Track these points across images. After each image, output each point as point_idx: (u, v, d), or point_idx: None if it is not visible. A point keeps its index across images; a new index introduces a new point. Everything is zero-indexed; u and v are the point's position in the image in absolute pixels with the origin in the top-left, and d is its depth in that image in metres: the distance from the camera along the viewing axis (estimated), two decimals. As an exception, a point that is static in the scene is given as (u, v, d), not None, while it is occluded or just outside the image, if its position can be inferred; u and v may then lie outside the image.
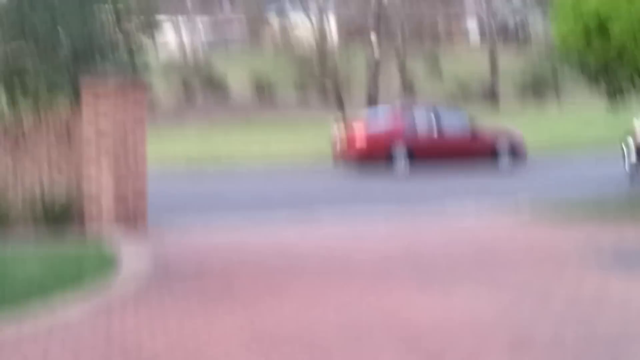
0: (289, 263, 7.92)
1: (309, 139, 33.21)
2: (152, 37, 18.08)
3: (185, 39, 62.88)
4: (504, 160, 26.11)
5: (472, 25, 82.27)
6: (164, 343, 5.58)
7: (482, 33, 75.78)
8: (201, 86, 59.76)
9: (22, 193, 11.44)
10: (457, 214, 17.08)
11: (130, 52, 18.05)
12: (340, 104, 51.70)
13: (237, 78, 60.20)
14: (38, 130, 11.36)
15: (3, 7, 15.17)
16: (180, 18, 62.87)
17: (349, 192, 21.06)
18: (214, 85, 59.52)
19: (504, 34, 70.69)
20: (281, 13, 64.53)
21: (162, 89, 58.45)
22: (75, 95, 11.35)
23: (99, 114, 10.76)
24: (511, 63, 62.69)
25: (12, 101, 17.29)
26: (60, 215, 10.91)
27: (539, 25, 69.09)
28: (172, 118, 52.26)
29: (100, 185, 10.78)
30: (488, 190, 20.53)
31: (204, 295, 6.79)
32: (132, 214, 10.96)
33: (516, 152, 26.38)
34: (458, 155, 25.72)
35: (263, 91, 59.37)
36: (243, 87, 60.50)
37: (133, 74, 11.23)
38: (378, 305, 6.66)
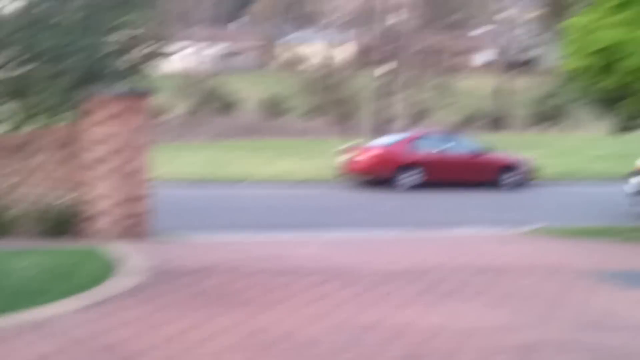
0: (288, 278, 7.67)
1: (316, 160, 33.09)
2: (160, 63, 18.32)
3: (197, 62, 63.01)
4: (512, 185, 25.96)
5: (484, 55, 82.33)
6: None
7: (494, 63, 75.86)
8: (210, 106, 59.83)
9: (24, 204, 11.34)
10: (463, 232, 17.04)
11: (139, 77, 18.17)
12: (349, 128, 51.64)
13: (247, 100, 60.28)
14: (41, 143, 11.28)
15: (11, 26, 15.24)
16: (192, 42, 63.08)
17: (354, 213, 20.91)
18: (223, 106, 59.61)
19: (516, 64, 70.72)
20: (292, 39, 64.63)
21: (172, 108, 58.58)
22: (80, 114, 11.32)
23: (99, 123, 10.63)
24: (522, 93, 62.73)
25: (18, 119, 17.35)
26: (61, 224, 10.78)
27: (550, 57, 69.09)
28: (181, 136, 52.25)
29: (100, 193, 10.65)
30: (494, 215, 20.46)
31: (195, 309, 6.59)
32: (133, 223, 10.82)
33: (524, 177, 26.22)
34: (466, 179, 25.59)
35: (272, 113, 59.42)
36: (252, 107, 60.56)
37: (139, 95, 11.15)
38: (380, 324, 6.46)
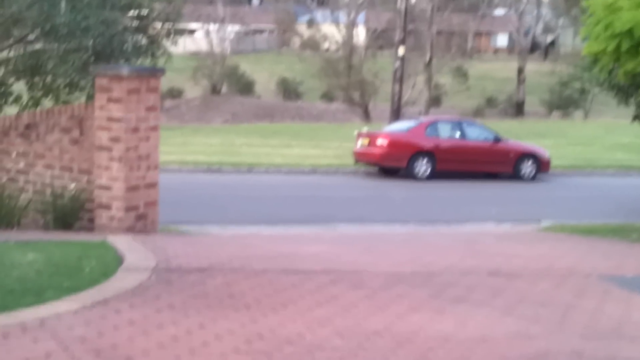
0: (296, 278, 7.44)
1: (333, 145, 32.86)
2: (177, 41, 18.13)
3: (215, 43, 62.73)
4: (527, 173, 25.66)
5: (501, 40, 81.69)
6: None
7: (512, 48, 75.30)
8: (229, 87, 59.63)
9: (32, 191, 11.14)
10: (475, 229, 16.81)
11: (154, 56, 18.04)
12: (365, 113, 51.32)
13: (265, 81, 60.02)
14: (51, 124, 11.04)
15: (25, 1, 15.03)
16: (211, 25, 62.78)
17: (368, 201, 20.70)
18: (242, 87, 59.39)
19: (534, 49, 70.15)
20: (311, 22, 64.29)
21: (190, 88, 58.37)
22: (94, 91, 11.01)
23: (110, 100, 10.37)
24: (539, 78, 62.23)
25: (33, 99, 17.24)
26: (70, 213, 10.59)
27: (568, 41, 68.49)
28: (198, 118, 52.06)
29: (111, 175, 10.43)
30: (508, 204, 20.22)
31: (198, 310, 6.40)
32: (142, 205, 10.61)
33: (539, 165, 25.90)
34: (480, 167, 25.31)
35: (290, 95, 59.17)
36: (270, 89, 60.30)
37: (154, 73, 10.85)
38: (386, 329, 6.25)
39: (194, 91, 59.40)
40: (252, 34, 74.10)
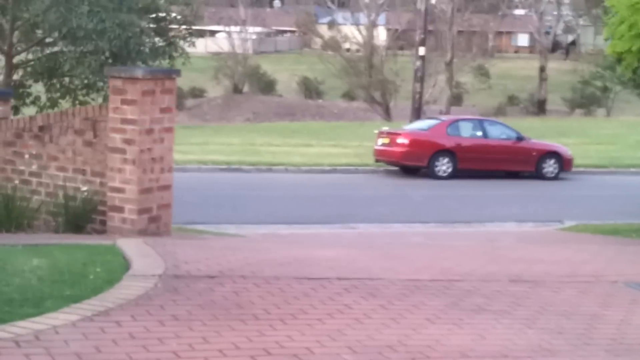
0: (308, 286, 7.04)
1: (353, 144, 32.46)
2: (193, 44, 17.86)
3: (237, 44, 62.46)
4: (549, 172, 25.17)
5: (522, 39, 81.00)
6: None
7: (532, 47, 74.62)
8: (250, 87, 59.40)
9: (44, 193, 10.81)
10: (496, 229, 16.43)
11: (171, 58, 17.81)
12: (386, 112, 50.88)
13: (286, 81, 59.72)
14: (65, 125, 10.70)
15: (43, 3, 14.77)
16: (233, 23, 62.54)
17: (388, 200, 20.33)
18: (263, 87, 59.15)
19: (555, 48, 69.44)
20: (331, 24, 63.91)
21: (212, 88, 58.15)
22: (108, 92, 10.66)
23: (124, 102, 10.01)
24: (561, 76, 61.59)
25: (50, 100, 17.03)
26: (82, 216, 10.24)
27: (589, 40, 67.74)
28: (220, 117, 51.83)
29: (124, 177, 10.07)
30: (529, 204, 19.79)
31: (204, 322, 6.02)
32: (155, 208, 10.25)
33: (562, 164, 25.39)
34: (502, 166, 24.83)
35: (311, 94, 58.85)
36: (291, 88, 60.01)
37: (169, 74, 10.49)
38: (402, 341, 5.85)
39: (215, 91, 59.18)
40: (273, 36, 73.77)
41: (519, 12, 74.69)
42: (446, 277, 7.83)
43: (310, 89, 59.89)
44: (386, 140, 25.03)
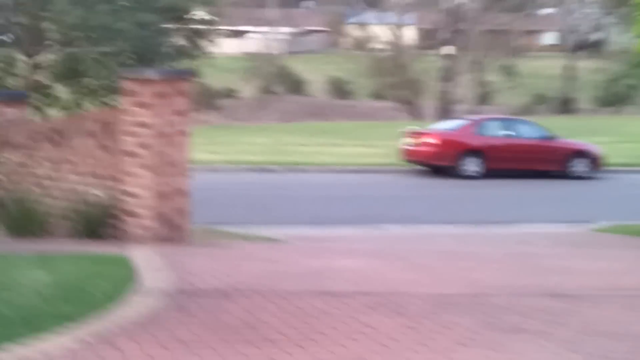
0: (328, 302, 6.31)
1: (382, 143, 31.69)
2: (216, 44, 17.21)
3: (268, 44, 61.87)
4: (579, 171, 24.28)
5: (549, 37, 79.80)
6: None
7: (559, 45, 73.42)
8: (279, 87, 58.81)
9: (57, 198, 10.16)
10: (527, 230, 15.60)
11: (193, 58, 17.13)
12: (414, 111, 50.08)
13: (315, 81, 59.07)
14: (79, 129, 10.04)
15: (60, 3, 14.17)
16: (262, 23, 62.00)
17: (417, 200, 19.60)
18: (292, 87, 58.56)
19: (582, 47, 68.18)
20: (360, 23, 63.12)
21: (244, 88, 57.62)
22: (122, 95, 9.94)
23: (138, 105, 9.35)
24: (588, 75, 60.46)
25: (72, 101, 16.41)
26: (95, 223, 9.58)
27: (616, 39, 66.39)
28: (249, 117, 51.28)
29: (138, 182, 9.41)
30: (560, 204, 18.99)
31: (212, 346, 5.31)
32: (172, 215, 9.59)
33: (592, 163, 24.49)
34: (531, 165, 23.95)
35: (339, 94, 58.15)
36: (320, 88, 59.36)
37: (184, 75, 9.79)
38: None
39: (247, 90, 58.60)
40: (303, 35, 73.09)
41: (546, 10, 73.45)
42: (478, 291, 7.07)
43: (339, 89, 59.16)
44: (415, 140, 24.25)
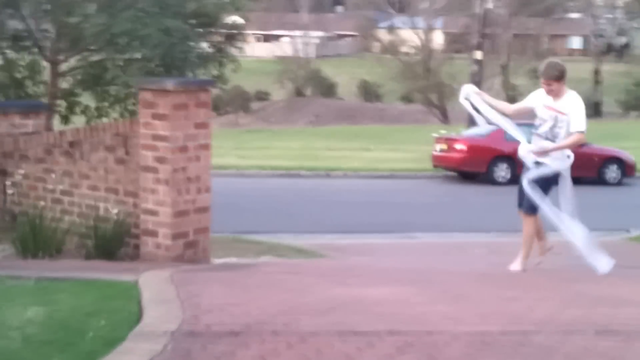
0: (353, 345, 5.41)
1: (412, 148, 30.75)
2: (242, 49, 16.39)
3: (300, 48, 61.15)
4: (612, 178, 23.21)
5: (576, 42, 78.36)
6: None
7: (586, 49, 72.03)
8: (311, 91, 58.09)
9: (76, 211, 9.35)
10: (562, 242, 14.58)
11: (221, 65, 16.35)
12: (444, 115, 49.07)
13: (346, 84, 58.25)
14: (96, 141, 9.22)
15: (84, 9, 13.41)
16: (295, 28, 61.31)
17: (447, 207, 18.70)
18: (323, 90, 57.82)
19: (608, 51, 66.74)
20: (390, 28, 62.17)
21: (276, 91, 56.93)
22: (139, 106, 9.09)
23: (156, 117, 8.51)
24: (614, 78, 59.13)
25: (98, 109, 15.64)
26: (111, 242, 8.75)
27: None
28: (281, 121, 50.56)
29: (156, 198, 8.58)
30: (593, 211, 17.95)
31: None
32: (191, 233, 8.76)
33: (624, 169, 23.42)
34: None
35: (370, 97, 57.29)
36: (351, 92, 58.53)
37: (204, 85, 8.92)
38: None
39: (279, 94, 57.87)
40: (335, 40, 72.19)
41: (573, 15, 72.01)
42: (519, 328, 6.14)
43: (369, 92, 58.24)
44: (444, 146, 23.30)
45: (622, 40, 74.53)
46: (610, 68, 62.10)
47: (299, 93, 58.40)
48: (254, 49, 66.22)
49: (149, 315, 5.76)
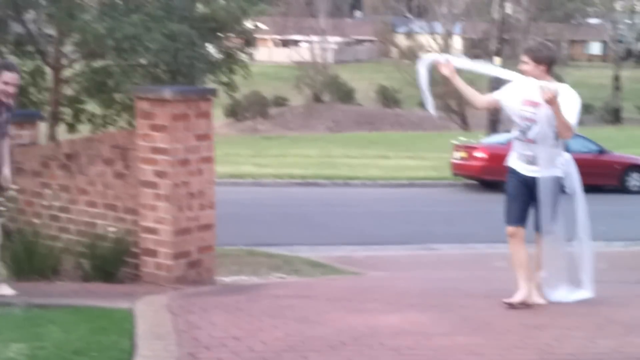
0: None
1: (430, 155, 30.08)
2: (251, 55, 15.77)
3: (318, 54, 60.59)
4: (634, 186, 22.49)
5: (595, 47, 77.41)
6: None
7: (605, 55, 71.12)
8: (329, 97, 57.51)
9: (73, 228, 8.76)
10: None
11: (231, 71, 15.75)
12: (463, 121, 48.34)
13: (364, 90, 57.63)
14: (92, 156, 8.62)
15: (89, 13, 12.85)
16: (314, 37, 60.80)
17: (468, 216, 18.04)
18: (341, 96, 57.22)
19: (627, 56, 65.78)
20: (408, 33, 61.51)
21: (294, 96, 56.42)
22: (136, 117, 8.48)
23: (154, 128, 7.91)
24: (634, 84, 58.27)
25: (104, 117, 15.07)
26: (109, 263, 8.15)
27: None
28: (299, 127, 50.05)
29: (156, 215, 7.98)
30: (616, 220, 17.29)
31: None
32: (195, 251, 8.16)
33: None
34: (584, 180, 22.12)
35: (388, 103, 56.63)
36: (369, 98, 57.92)
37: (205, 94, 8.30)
38: None
39: (297, 99, 57.33)
40: (353, 45, 71.61)
41: (593, 21, 71.10)
42: (549, 364, 5.49)
43: (387, 98, 57.59)
44: (464, 154, 22.63)
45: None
46: (629, 74, 61.19)
47: (317, 99, 57.82)
48: (271, 54, 65.76)
49: (141, 355, 5.13)
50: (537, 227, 7.18)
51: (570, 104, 6.84)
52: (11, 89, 7.21)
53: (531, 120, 6.94)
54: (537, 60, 6.92)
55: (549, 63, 6.98)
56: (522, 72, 7.00)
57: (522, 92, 6.98)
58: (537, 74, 6.91)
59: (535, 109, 6.90)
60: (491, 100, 7.34)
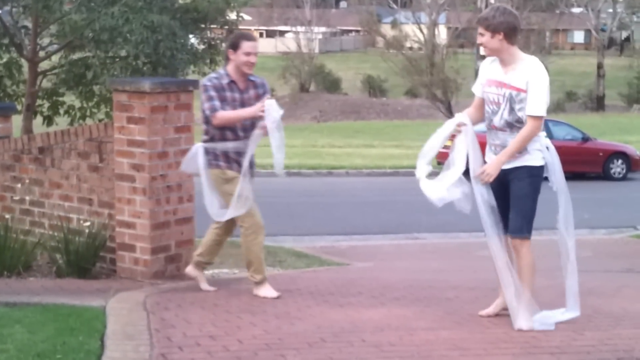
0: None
1: (415, 144, 29.79)
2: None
3: (304, 44, 60.25)
4: (617, 172, 22.33)
5: (578, 36, 77.35)
6: None
7: (588, 43, 71.08)
8: (314, 87, 57.24)
9: (47, 223, 8.45)
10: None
11: (212, 62, 15.42)
12: (448, 110, 48.14)
13: (350, 80, 57.37)
14: (66, 149, 8.30)
15: (66, 11, 12.50)
16: (299, 27, 60.44)
17: (452, 206, 17.79)
18: (327, 86, 56.95)
19: (609, 44, 65.70)
20: (394, 23, 61.24)
21: (280, 87, 56.07)
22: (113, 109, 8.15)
23: (132, 120, 7.61)
24: (616, 72, 58.21)
25: (82, 110, 14.71)
26: (84, 258, 7.84)
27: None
28: (289, 112, 49.79)
29: (133, 210, 7.67)
30: (599, 207, 17.12)
31: None
32: (173, 245, 7.85)
33: (630, 164, 22.55)
34: (568, 167, 21.93)
35: (374, 92, 56.40)
36: (355, 87, 57.67)
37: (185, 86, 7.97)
38: None
39: (283, 89, 57.02)
40: (338, 35, 71.30)
41: (576, 10, 70.98)
42: (533, 358, 5.23)
43: (374, 87, 57.38)
44: (448, 143, 22.39)
45: (623, 34, 73.51)
46: (612, 62, 61.16)
47: (303, 89, 57.53)
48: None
49: (108, 357, 4.84)
50: (508, 228, 6.26)
51: (537, 88, 5.75)
52: None
53: (497, 103, 5.89)
54: (492, 28, 5.73)
55: (506, 31, 5.74)
56: (481, 47, 5.91)
57: (486, 72, 5.98)
58: (497, 46, 5.79)
59: (500, 90, 5.87)
60: (478, 101, 6.16)
